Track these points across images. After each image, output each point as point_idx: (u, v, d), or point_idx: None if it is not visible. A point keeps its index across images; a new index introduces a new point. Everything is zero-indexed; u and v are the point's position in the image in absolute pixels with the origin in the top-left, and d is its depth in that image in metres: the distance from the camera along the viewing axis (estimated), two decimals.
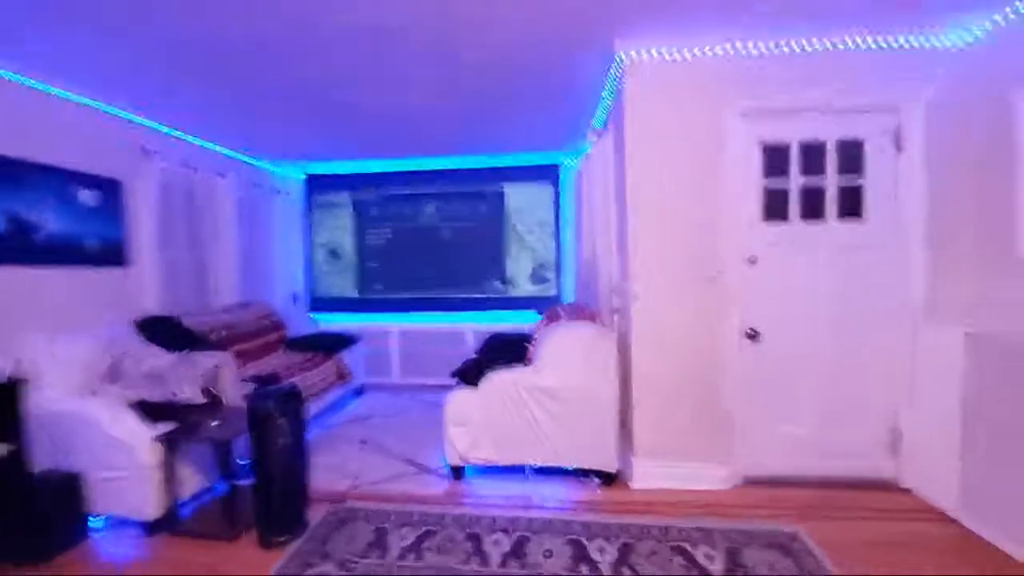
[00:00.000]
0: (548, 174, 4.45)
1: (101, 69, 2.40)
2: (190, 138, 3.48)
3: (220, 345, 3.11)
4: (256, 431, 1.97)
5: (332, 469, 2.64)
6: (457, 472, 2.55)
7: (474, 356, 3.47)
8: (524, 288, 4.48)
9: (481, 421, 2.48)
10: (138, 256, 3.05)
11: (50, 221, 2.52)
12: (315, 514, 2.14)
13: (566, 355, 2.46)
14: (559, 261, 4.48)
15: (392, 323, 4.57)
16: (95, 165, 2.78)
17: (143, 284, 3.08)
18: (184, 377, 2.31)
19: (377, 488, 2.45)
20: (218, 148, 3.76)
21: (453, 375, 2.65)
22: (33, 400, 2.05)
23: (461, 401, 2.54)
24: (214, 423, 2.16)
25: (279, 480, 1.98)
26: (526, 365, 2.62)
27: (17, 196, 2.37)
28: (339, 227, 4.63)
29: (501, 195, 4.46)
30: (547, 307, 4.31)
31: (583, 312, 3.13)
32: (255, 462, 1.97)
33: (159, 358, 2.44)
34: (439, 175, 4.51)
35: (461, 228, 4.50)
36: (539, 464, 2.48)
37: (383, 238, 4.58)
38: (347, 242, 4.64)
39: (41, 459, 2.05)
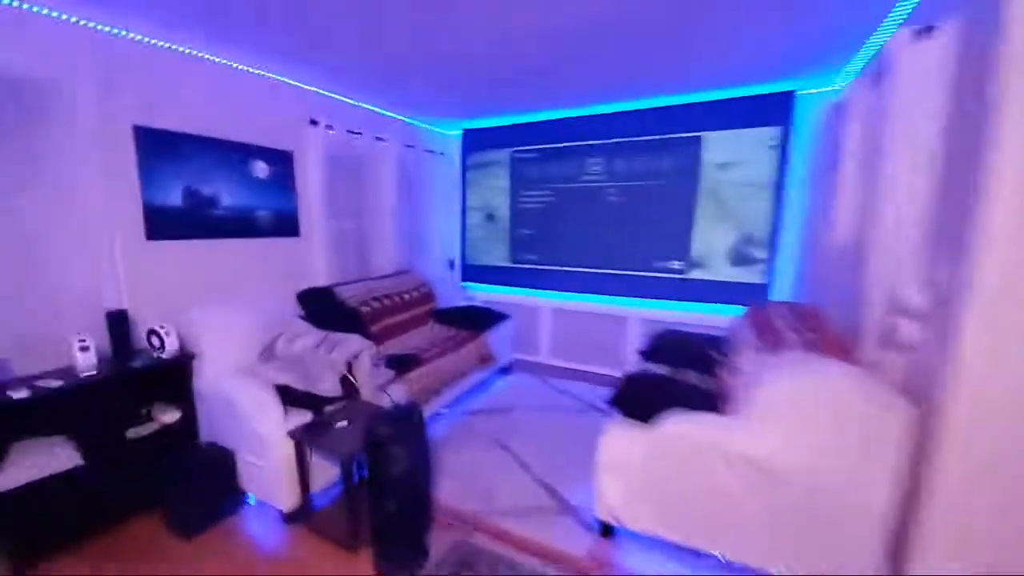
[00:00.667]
0: (771, 111, 3.11)
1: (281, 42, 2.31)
2: (352, 101, 3.37)
3: (370, 319, 3.04)
4: (371, 456, 1.67)
5: (461, 477, 2.32)
6: (607, 529, 1.92)
7: (640, 357, 2.70)
8: (717, 270, 3.38)
9: (645, 475, 1.77)
10: (308, 227, 3.12)
11: (226, 194, 2.63)
12: (438, 539, 1.87)
13: (803, 416, 1.50)
14: (775, 236, 3.20)
15: (545, 299, 4.06)
16: (268, 138, 2.82)
17: (313, 255, 3.17)
18: (324, 366, 2.19)
19: (508, 522, 2.01)
20: (378, 109, 3.61)
21: (611, 402, 1.96)
22: (196, 374, 2.16)
23: (620, 440, 1.84)
24: (340, 424, 1.97)
25: (394, 509, 1.67)
26: (719, 403, 1.76)
27: (196, 171, 2.49)
28: (495, 188, 4.20)
29: (695, 145, 3.33)
30: (751, 298, 3.18)
31: (818, 324, 2.02)
32: (371, 485, 1.70)
33: (307, 338, 2.39)
34: (611, 121, 3.60)
35: (634, 189, 3.57)
36: (731, 560, 1.67)
37: (541, 201, 3.98)
38: (502, 205, 4.20)
39: (204, 432, 2.18)
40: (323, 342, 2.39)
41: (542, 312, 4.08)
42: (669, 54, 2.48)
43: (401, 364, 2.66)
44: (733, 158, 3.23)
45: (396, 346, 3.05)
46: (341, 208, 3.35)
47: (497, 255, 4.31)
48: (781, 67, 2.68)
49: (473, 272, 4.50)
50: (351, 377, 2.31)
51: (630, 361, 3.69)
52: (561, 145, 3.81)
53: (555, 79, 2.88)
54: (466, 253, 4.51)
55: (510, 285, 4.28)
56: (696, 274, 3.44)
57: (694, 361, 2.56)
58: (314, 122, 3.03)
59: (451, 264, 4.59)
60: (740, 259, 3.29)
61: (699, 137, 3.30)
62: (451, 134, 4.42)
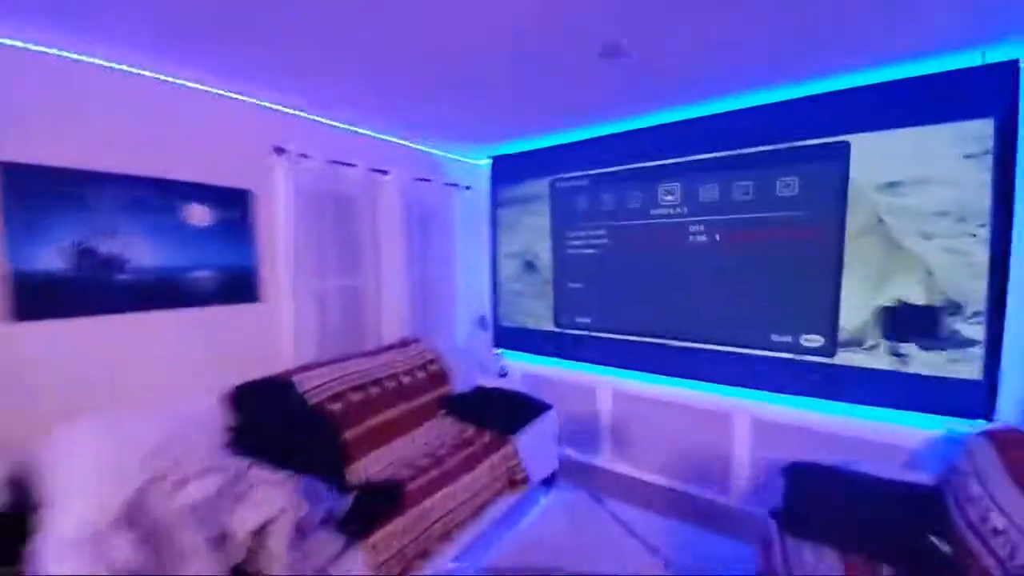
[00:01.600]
0: (973, 96, 1.89)
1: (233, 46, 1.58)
2: (338, 124, 2.61)
3: (344, 421, 2.10)
4: None
5: None
6: None
7: (772, 525, 1.48)
8: (887, 353, 2.09)
9: None
10: (272, 289, 2.31)
11: (142, 250, 1.87)
12: None
13: None
14: (997, 302, 1.88)
15: (604, 376, 2.92)
16: (214, 172, 2.07)
17: (278, 327, 2.34)
18: (199, 548, 1.24)
19: None
20: (375, 134, 2.83)
21: None
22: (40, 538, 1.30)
23: None
24: None
25: None
26: None
27: (95, 221, 1.75)
28: (534, 228, 3.21)
29: (838, 155, 2.14)
30: (955, 403, 1.87)
31: None
32: None
33: (208, 479, 1.47)
34: (694, 128, 2.52)
35: (733, 226, 2.41)
36: None
37: (593, 244, 2.93)
38: (544, 250, 3.18)
39: None
40: (231, 486, 1.47)
41: (599, 394, 2.94)
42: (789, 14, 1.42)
43: (366, 515, 1.65)
44: (907, 174, 2.00)
45: (379, 463, 2.07)
46: (325, 262, 2.53)
47: (538, 315, 3.26)
48: (990, 20, 1.51)
49: (508, 336, 3.47)
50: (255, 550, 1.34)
51: (736, 482, 2.42)
52: (618, 169, 2.77)
53: (606, 76, 1.90)
54: (499, 312, 3.51)
55: (556, 356, 3.19)
56: (848, 358, 2.16)
57: (888, 543, 1.32)
58: (280, 150, 2.27)
59: (482, 322, 3.62)
60: (931, 336, 1.98)
61: (844, 144, 2.12)
62: (478, 163, 3.56)
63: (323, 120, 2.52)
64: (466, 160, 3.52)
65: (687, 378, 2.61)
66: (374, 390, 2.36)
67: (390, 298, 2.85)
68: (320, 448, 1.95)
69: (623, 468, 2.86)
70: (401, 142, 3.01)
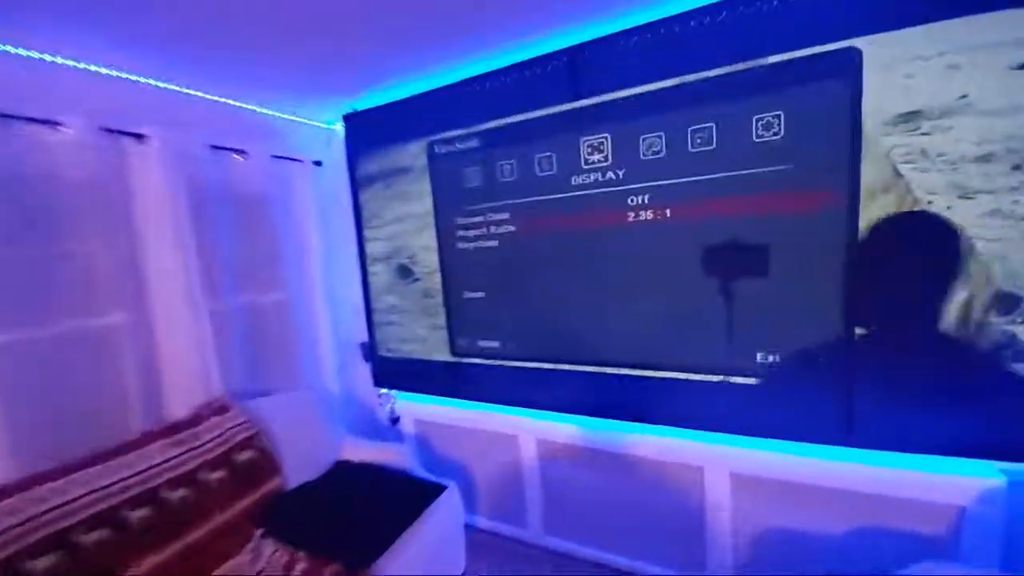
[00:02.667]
0: None
1: None
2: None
3: None
4: None
5: None
6: None
7: None
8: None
9: None
10: None
11: None
12: None
13: None
14: None
15: (525, 418, 2.07)
16: None
17: None
18: None
19: None
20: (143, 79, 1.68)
21: None
22: None
23: None
24: None
25: None
26: None
27: None
28: (409, 217, 2.23)
29: (844, 68, 1.37)
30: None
31: None
32: None
33: None
34: (624, 49, 1.65)
35: (689, 192, 1.59)
36: None
37: (494, 233, 2.01)
38: (424, 248, 2.22)
39: None
40: None
41: (523, 446, 2.08)
42: None
43: None
44: (937, 99, 1.28)
45: None
46: (20, 304, 1.40)
47: (427, 340, 2.29)
48: None
49: (390, 371, 2.46)
50: None
51: (712, 555, 1.69)
52: (521, 118, 1.86)
53: None
54: (376, 337, 2.50)
55: (455, 396, 2.26)
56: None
57: None
58: None
59: (364, 351, 2.61)
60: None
61: (852, 52, 1.36)
62: (330, 127, 2.49)
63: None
64: (310, 123, 2.43)
65: (638, 420, 1.81)
66: (137, 515, 1.32)
67: (177, 341, 1.76)
68: None
69: (558, 543, 2.05)
70: (187, 91, 1.88)
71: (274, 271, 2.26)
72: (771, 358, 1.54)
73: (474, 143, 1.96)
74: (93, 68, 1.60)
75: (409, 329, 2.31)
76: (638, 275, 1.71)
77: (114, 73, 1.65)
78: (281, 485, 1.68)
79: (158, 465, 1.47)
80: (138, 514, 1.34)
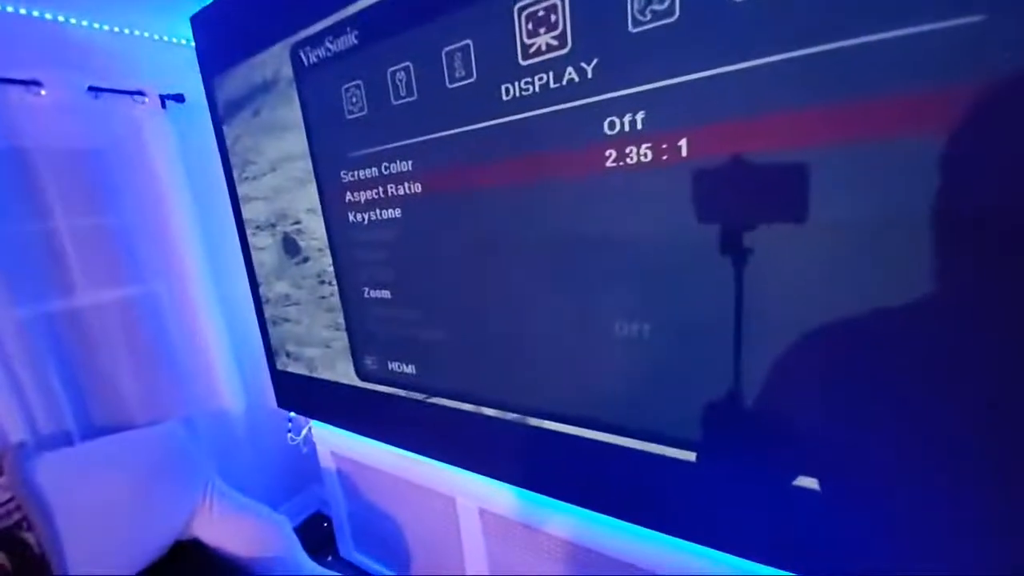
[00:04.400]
0: None
1: None
2: None
3: None
4: None
5: None
6: None
7: None
8: None
9: None
10: None
11: None
12: None
13: None
14: None
15: (468, 477, 1.37)
16: None
17: None
18: None
19: None
20: None
21: None
22: None
23: None
24: None
25: None
26: None
27: None
28: (284, 160, 1.44)
29: None
30: None
31: None
32: None
33: None
34: None
35: (719, 108, 0.76)
36: None
37: (396, 197, 1.21)
38: (307, 211, 1.43)
39: None
40: None
41: (463, 516, 1.41)
42: None
43: None
44: None
45: None
46: None
47: (329, 345, 1.57)
48: None
49: (289, 388, 1.77)
50: None
51: None
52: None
53: None
54: (270, 340, 1.80)
55: (364, 434, 1.58)
56: None
57: None
58: None
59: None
60: None
61: None
62: (177, 41, 1.72)
63: None
64: (151, 38, 1.67)
65: (619, 516, 1.07)
66: None
67: None
68: None
69: None
70: None
71: (123, 257, 1.61)
72: None
73: (352, 39, 1.15)
74: None
75: (308, 329, 1.61)
76: (620, 269, 0.91)
77: None
78: None
79: None
80: None
